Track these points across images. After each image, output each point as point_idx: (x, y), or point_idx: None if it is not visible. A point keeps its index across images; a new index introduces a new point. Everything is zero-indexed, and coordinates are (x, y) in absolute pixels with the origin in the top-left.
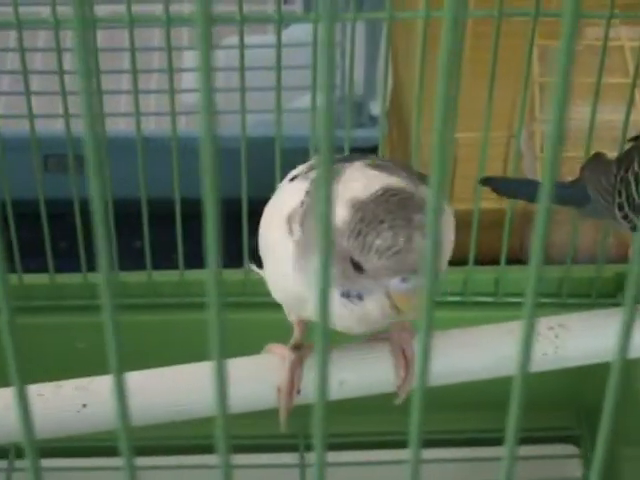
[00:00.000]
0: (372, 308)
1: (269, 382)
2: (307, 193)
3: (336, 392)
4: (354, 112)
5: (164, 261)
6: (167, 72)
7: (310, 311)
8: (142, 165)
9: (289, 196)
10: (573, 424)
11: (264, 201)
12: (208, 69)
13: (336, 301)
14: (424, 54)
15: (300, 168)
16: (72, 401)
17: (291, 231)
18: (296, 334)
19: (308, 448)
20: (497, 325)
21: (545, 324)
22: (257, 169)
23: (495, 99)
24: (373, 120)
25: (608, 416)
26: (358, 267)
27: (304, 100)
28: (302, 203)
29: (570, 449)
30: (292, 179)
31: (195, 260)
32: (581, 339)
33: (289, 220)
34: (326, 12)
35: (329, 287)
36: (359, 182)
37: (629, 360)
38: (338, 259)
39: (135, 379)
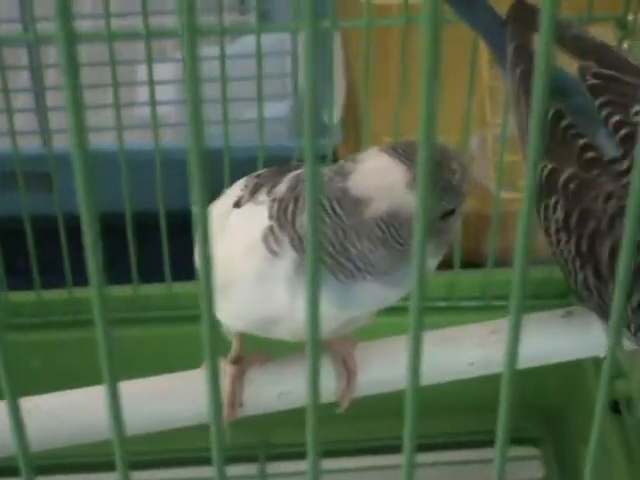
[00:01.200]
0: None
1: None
2: (271, 217)
3: (275, 403)
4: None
5: (152, 274)
6: (148, 85)
7: (282, 331)
8: (125, 178)
9: (250, 222)
10: (532, 425)
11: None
12: (195, 80)
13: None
14: (368, 62)
15: (238, 191)
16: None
17: (273, 252)
18: (235, 347)
19: (269, 458)
20: (440, 331)
21: (488, 328)
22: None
23: (448, 104)
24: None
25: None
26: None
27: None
28: (271, 227)
29: (530, 450)
30: (237, 202)
31: (183, 272)
32: (522, 343)
33: (266, 242)
34: (308, 20)
35: (319, 297)
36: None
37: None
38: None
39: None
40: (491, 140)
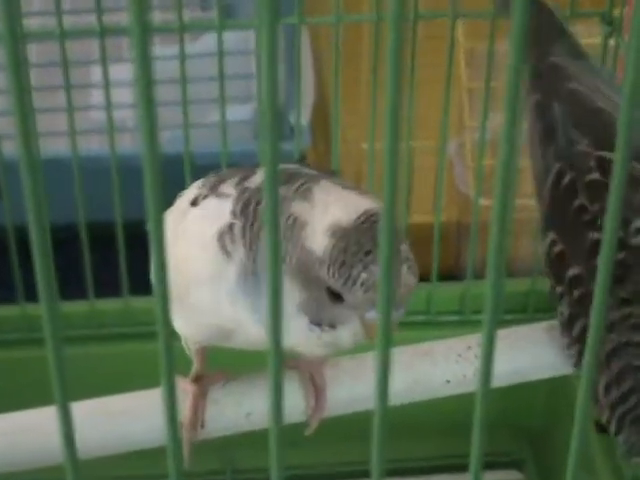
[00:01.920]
0: (345, 336)
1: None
2: (234, 213)
3: (240, 424)
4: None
5: (108, 289)
6: (103, 87)
7: (239, 340)
8: (79, 187)
9: (208, 219)
10: (514, 448)
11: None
12: (147, 82)
13: (303, 327)
14: (337, 61)
15: (195, 189)
16: None
17: (227, 252)
18: (196, 365)
19: None
20: (414, 346)
21: (464, 344)
22: (169, 188)
23: (423, 107)
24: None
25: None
26: (336, 297)
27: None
28: (231, 225)
29: (513, 474)
30: (195, 200)
31: (142, 287)
32: (500, 359)
33: (221, 240)
34: (267, 18)
35: (281, 310)
36: (337, 206)
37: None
38: (310, 287)
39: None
40: (470, 145)
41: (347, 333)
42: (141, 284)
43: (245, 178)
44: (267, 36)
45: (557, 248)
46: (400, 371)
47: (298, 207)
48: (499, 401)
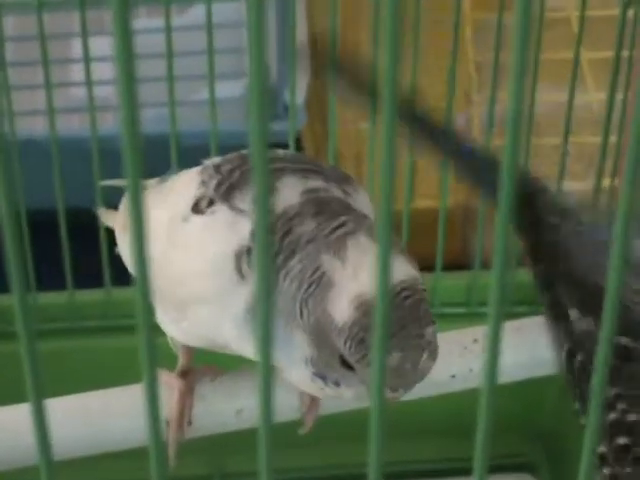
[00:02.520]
0: (348, 395)
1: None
2: (252, 236)
3: (234, 422)
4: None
5: (88, 278)
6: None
7: (233, 351)
8: (58, 170)
9: (220, 234)
10: (526, 449)
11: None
12: (127, 58)
13: (306, 376)
14: (335, 32)
15: (194, 187)
16: None
17: (242, 276)
18: (182, 359)
19: None
20: None
21: (470, 336)
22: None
23: (428, 80)
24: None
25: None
26: (348, 366)
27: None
28: (250, 249)
29: (525, 478)
30: (196, 204)
31: (124, 277)
32: (510, 352)
33: (238, 262)
34: None
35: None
36: (368, 274)
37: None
38: (323, 348)
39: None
40: (478, 120)
41: (350, 393)
42: (124, 274)
43: None
44: (255, 9)
45: None
46: None
47: (328, 262)
48: (509, 399)
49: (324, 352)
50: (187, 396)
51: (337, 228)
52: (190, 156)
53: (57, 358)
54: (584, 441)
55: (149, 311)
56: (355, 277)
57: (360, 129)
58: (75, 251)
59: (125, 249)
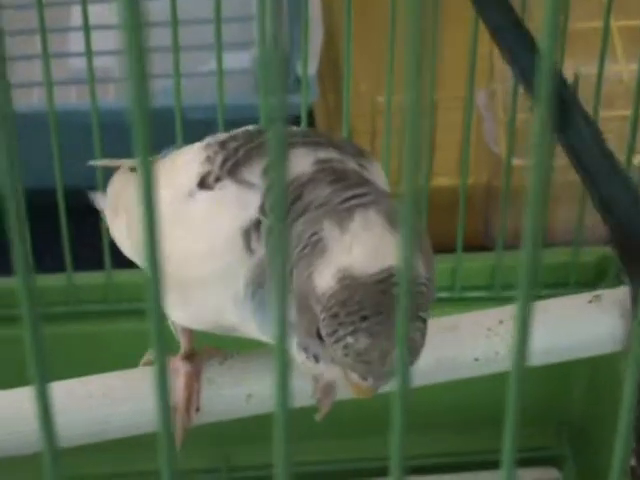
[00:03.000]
0: (327, 374)
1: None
2: (263, 210)
3: (244, 408)
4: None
5: (88, 261)
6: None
7: (239, 334)
8: (56, 146)
9: (227, 210)
10: (553, 442)
11: None
12: (136, 25)
13: (292, 345)
14: (350, 1)
15: (198, 163)
16: None
17: (251, 251)
18: (184, 342)
19: None
20: (437, 320)
21: (495, 317)
22: (156, 146)
23: (449, 53)
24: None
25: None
26: (322, 339)
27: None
28: (258, 222)
29: (550, 473)
30: (203, 180)
31: (125, 259)
32: (538, 334)
33: (247, 238)
34: None
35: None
36: (363, 249)
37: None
38: (305, 314)
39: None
40: (501, 95)
41: (329, 372)
42: (125, 256)
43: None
44: None
45: None
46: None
47: (328, 228)
48: (533, 387)
49: (305, 319)
50: (194, 380)
51: (352, 198)
52: (195, 131)
53: (55, 344)
54: (617, 434)
55: (159, 295)
56: (349, 250)
57: (376, 102)
58: (74, 232)
59: (118, 233)
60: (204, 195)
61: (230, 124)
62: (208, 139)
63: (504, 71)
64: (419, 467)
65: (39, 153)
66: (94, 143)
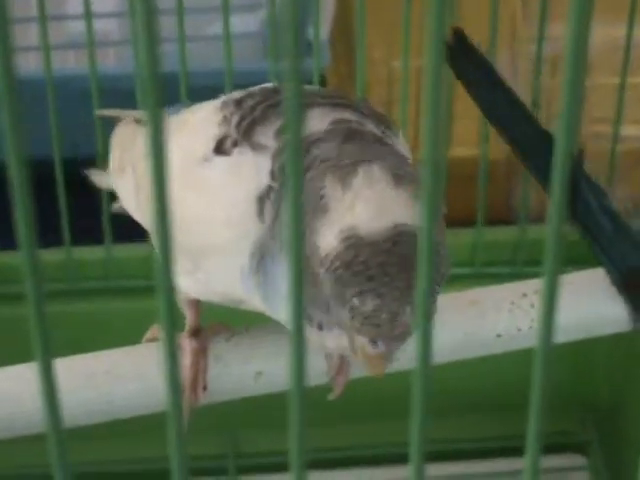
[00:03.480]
0: (330, 343)
1: (156, 378)
2: (272, 175)
3: (252, 387)
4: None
5: (87, 235)
6: None
7: (247, 307)
8: (54, 113)
9: (243, 178)
10: (578, 428)
11: None
12: None
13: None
14: None
15: (214, 125)
16: None
17: (262, 214)
18: (190, 317)
19: (240, 471)
20: (457, 295)
21: (518, 291)
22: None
23: (468, 13)
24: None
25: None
26: (327, 306)
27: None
28: (269, 188)
29: (576, 459)
30: (219, 145)
31: (125, 233)
32: (563, 309)
33: (261, 204)
34: None
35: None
36: (368, 207)
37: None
38: (308, 280)
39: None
40: (524, 61)
41: (332, 342)
42: (127, 229)
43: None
44: None
45: None
46: (440, 324)
47: (330, 186)
48: (557, 371)
49: (308, 285)
50: (201, 357)
51: (360, 154)
52: (201, 97)
53: (52, 323)
54: None
55: (169, 262)
56: (352, 208)
57: (392, 68)
58: (72, 205)
59: (124, 192)
60: (221, 161)
61: (237, 90)
62: (224, 97)
63: (527, 34)
64: (439, 453)
65: (35, 121)
66: (93, 110)
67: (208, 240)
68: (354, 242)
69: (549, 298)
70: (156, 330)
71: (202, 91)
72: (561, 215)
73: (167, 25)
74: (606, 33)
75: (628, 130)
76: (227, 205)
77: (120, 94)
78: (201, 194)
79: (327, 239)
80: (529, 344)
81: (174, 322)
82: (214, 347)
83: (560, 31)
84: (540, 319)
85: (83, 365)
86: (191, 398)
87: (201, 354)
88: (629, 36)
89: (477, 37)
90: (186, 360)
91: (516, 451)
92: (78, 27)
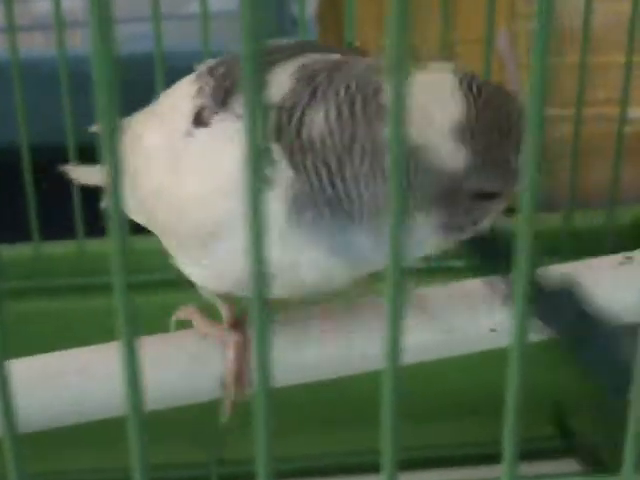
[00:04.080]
0: (482, 225)
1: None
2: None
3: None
4: (272, 15)
5: (57, 229)
6: None
7: (280, 289)
8: (20, 98)
9: (229, 145)
10: (571, 430)
11: None
12: None
13: (429, 232)
14: None
15: (189, 98)
16: None
17: (267, 182)
18: (225, 310)
19: (222, 478)
20: (448, 287)
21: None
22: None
23: None
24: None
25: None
26: (455, 198)
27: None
28: (266, 148)
29: (570, 464)
30: (198, 117)
31: (98, 226)
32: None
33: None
34: None
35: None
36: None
37: None
38: (425, 179)
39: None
40: (524, 36)
41: (484, 222)
42: (99, 223)
43: None
44: None
45: None
46: (431, 318)
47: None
48: (543, 365)
49: (425, 184)
50: (244, 350)
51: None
52: (178, 78)
53: (19, 323)
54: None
55: (123, 260)
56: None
57: (382, 46)
58: (41, 196)
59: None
60: (202, 133)
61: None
62: (199, 68)
63: (526, 10)
64: (415, 461)
65: (1, 105)
66: (62, 94)
67: (207, 218)
68: (472, 101)
69: (521, 297)
70: (190, 311)
71: (179, 73)
72: (533, 196)
73: (141, 3)
74: (611, 8)
75: (636, 112)
76: (218, 178)
77: (89, 77)
78: (189, 172)
79: (436, 117)
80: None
81: (133, 321)
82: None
83: (560, 7)
84: (514, 319)
85: (53, 363)
86: (236, 392)
87: (244, 346)
88: (634, 11)
89: (474, 12)
90: (229, 353)
91: (497, 458)
92: (45, 7)
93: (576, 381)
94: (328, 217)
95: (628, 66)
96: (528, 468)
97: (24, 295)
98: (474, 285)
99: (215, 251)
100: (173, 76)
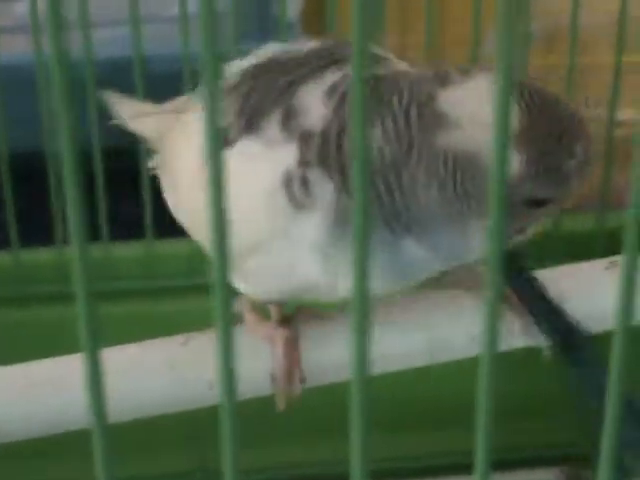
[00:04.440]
0: (529, 231)
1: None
2: (303, 161)
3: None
4: (254, 16)
5: (37, 235)
6: None
7: (321, 296)
8: (0, 103)
9: (262, 165)
10: (556, 438)
11: (120, 151)
12: None
13: (483, 240)
14: None
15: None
16: None
17: (298, 204)
18: (274, 308)
19: None
20: (431, 292)
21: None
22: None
23: None
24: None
25: None
26: (531, 203)
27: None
28: (304, 172)
29: (556, 474)
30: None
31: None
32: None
33: (289, 190)
34: None
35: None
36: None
37: None
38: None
39: None
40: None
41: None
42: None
43: (292, 110)
44: None
45: None
46: (412, 325)
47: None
48: (528, 370)
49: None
50: (294, 346)
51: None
52: (158, 84)
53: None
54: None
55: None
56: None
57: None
58: (21, 202)
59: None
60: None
61: (196, 76)
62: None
63: None
64: (393, 471)
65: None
66: (41, 99)
67: (240, 240)
68: (531, 111)
69: (491, 304)
70: (250, 323)
71: (159, 78)
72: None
73: (120, 6)
74: (601, 7)
75: (625, 114)
76: (245, 200)
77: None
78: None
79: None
80: (511, 347)
81: (95, 332)
82: (307, 334)
83: (554, 7)
84: (484, 326)
85: (21, 374)
86: (287, 389)
87: (294, 343)
88: (623, 10)
89: (462, 13)
90: (278, 350)
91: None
92: (25, 10)
93: (560, 390)
94: (382, 230)
95: (617, 67)
96: (510, 477)
97: (2, 304)
98: (456, 291)
99: (254, 268)
100: (153, 81)
